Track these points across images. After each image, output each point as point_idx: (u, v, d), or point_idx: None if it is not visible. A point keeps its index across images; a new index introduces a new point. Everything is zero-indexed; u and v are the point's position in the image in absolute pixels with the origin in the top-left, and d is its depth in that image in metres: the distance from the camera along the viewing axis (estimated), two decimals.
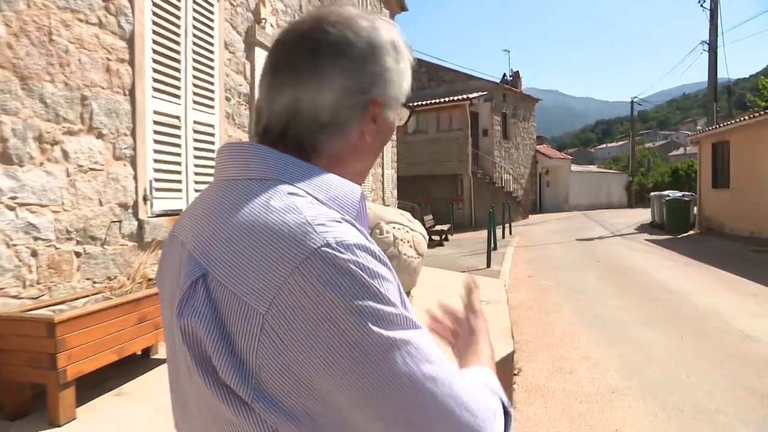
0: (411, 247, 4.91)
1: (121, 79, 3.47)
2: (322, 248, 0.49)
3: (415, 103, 21.54)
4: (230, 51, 4.84)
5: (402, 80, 0.68)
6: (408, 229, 4.99)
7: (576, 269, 9.37)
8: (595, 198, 31.94)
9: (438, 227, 13.85)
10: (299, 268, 0.48)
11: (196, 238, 0.58)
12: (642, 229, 17.39)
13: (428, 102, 20.64)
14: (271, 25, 5.60)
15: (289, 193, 0.55)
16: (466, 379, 0.56)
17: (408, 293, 5.10)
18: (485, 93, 21.24)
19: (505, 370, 3.39)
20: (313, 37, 0.63)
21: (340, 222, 0.53)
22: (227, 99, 4.79)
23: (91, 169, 3.22)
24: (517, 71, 25.93)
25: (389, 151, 16.15)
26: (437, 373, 0.51)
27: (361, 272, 0.49)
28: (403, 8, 17.61)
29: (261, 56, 5.33)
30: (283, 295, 0.48)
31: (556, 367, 4.38)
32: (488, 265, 9.19)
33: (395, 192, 17.25)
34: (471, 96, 20.05)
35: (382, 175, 15.42)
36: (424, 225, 13.04)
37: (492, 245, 11.42)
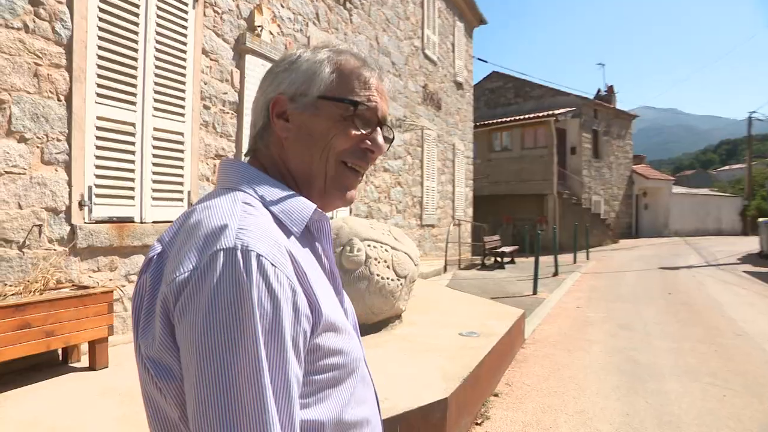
0: (388, 267, 4.44)
1: (55, 84, 3.45)
2: (228, 246, 0.59)
3: (498, 120, 20.73)
4: (211, 58, 4.74)
5: (304, 74, 0.77)
6: (388, 248, 4.52)
7: (638, 301, 8.18)
8: (701, 223, 28.49)
9: (504, 249, 12.98)
10: (212, 257, 0.59)
11: (169, 228, 0.70)
12: (747, 259, 15.08)
13: (511, 119, 19.73)
14: (270, 33, 5.48)
15: (244, 202, 0.67)
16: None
17: (386, 320, 4.62)
18: (572, 109, 19.87)
19: (429, 421, 2.83)
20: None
21: (264, 235, 0.62)
22: (205, 107, 4.69)
23: (7, 172, 3.19)
24: (611, 86, 24.06)
25: (462, 168, 15.56)
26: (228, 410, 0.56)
27: (247, 279, 0.58)
28: (482, 21, 17.06)
29: (253, 64, 5.21)
30: (198, 272, 0.59)
31: (535, 420, 3.67)
32: (534, 291, 8.34)
33: (470, 210, 16.57)
34: (557, 112, 18.86)
35: (453, 193, 14.87)
36: (483, 244, 12.28)
37: (554, 270, 10.47)
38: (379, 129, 0.81)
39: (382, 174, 8.41)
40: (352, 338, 0.74)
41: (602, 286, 9.86)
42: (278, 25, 5.69)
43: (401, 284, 4.51)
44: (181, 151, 4.40)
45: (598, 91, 23.73)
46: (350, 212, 7.29)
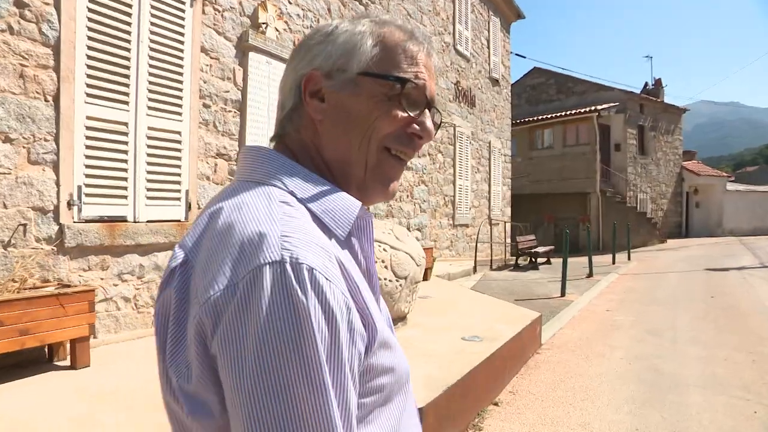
0: (386, 267, 4.28)
1: (42, 85, 3.48)
2: (272, 260, 0.51)
3: (539, 117, 20.13)
4: (211, 57, 4.72)
5: (342, 47, 0.68)
6: (387, 248, 4.36)
7: (675, 305, 7.65)
8: (760, 221, 26.48)
9: (538, 249, 12.53)
10: (254, 273, 0.50)
11: (191, 231, 0.62)
12: None
13: (552, 115, 19.11)
14: (276, 30, 5.41)
15: (281, 201, 0.58)
16: None
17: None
18: (616, 104, 19.01)
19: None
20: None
21: (313, 243, 0.54)
22: (205, 106, 4.67)
23: None
24: (659, 79, 22.85)
25: (499, 166, 15.17)
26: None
27: (300, 301, 0.50)
28: (520, 16, 16.58)
29: (257, 61, 5.16)
30: (238, 292, 0.50)
31: None
32: (562, 293, 7.95)
33: (508, 210, 16.15)
34: (599, 107, 18.09)
35: (489, 192, 14.53)
36: (516, 244, 11.91)
37: (589, 272, 10.02)
38: (427, 111, 0.70)
39: (404, 172, 8.24)
40: (399, 351, 0.67)
41: (639, 288, 9.32)
42: (285, 22, 5.62)
43: (400, 285, 4.33)
44: (179, 150, 4.39)
45: (645, 84, 22.59)
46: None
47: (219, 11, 4.80)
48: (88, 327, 3.31)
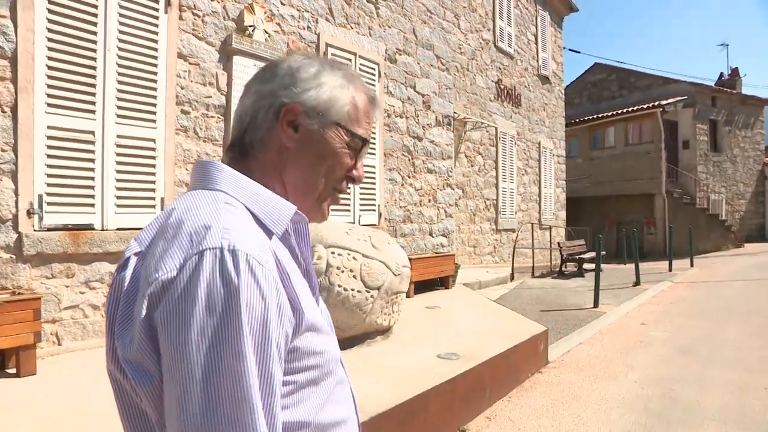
0: (355, 278, 4.01)
1: None
2: (213, 246, 0.60)
3: (599, 115, 19.00)
4: (190, 62, 4.68)
5: (324, 94, 0.78)
6: (357, 256, 4.09)
7: (726, 319, 6.77)
8: None
9: (583, 255, 11.70)
10: (196, 257, 0.59)
11: (147, 227, 0.71)
12: None
13: (612, 113, 17.95)
14: (266, 32, 5.31)
15: (224, 202, 0.68)
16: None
17: (362, 335, 4.19)
18: (683, 98, 17.51)
19: None
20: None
21: (249, 234, 0.64)
22: (184, 112, 4.63)
23: None
24: (736, 68, 20.79)
25: (551, 167, 14.43)
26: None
27: (233, 279, 0.59)
28: (572, 9, 15.72)
29: (243, 65, 5.08)
30: (182, 273, 0.59)
31: None
32: (595, 304, 7.30)
33: (562, 213, 15.35)
34: (663, 102, 16.75)
35: (539, 195, 13.86)
36: (560, 250, 11.19)
37: (635, 279, 9.23)
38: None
39: (424, 175, 7.91)
40: (329, 337, 0.77)
41: (689, 299, 8.40)
42: (277, 24, 5.51)
43: (372, 296, 4.05)
44: (153, 158, 4.37)
45: (720, 75, 20.64)
46: (379, 217, 6.91)
47: (199, 16, 4.76)
48: (33, 335, 3.30)
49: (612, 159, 18.03)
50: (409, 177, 7.62)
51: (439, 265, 7.48)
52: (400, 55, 7.41)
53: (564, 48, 15.88)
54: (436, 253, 7.95)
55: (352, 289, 3.97)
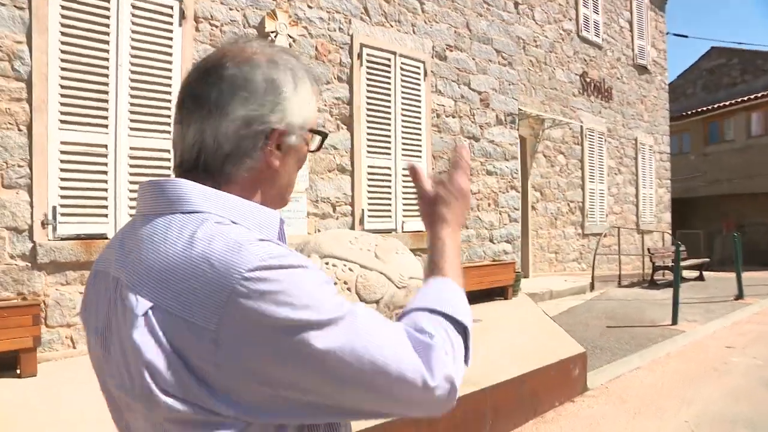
0: (350, 290, 3.76)
1: (14, 116, 3.82)
2: (254, 266, 0.57)
3: (715, 105, 16.89)
4: None
5: (303, 107, 0.74)
6: (354, 267, 3.84)
7: None
8: None
9: (691, 261, 10.35)
10: (238, 286, 0.55)
11: (133, 272, 0.63)
12: None
13: (732, 101, 15.82)
14: (290, 36, 5.26)
15: (216, 222, 0.63)
16: (395, 346, 0.62)
17: None
18: None
19: None
20: (215, 72, 0.70)
21: (263, 240, 0.61)
22: None
23: None
24: None
25: (651, 166, 13.05)
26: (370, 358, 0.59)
27: (293, 271, 0.58)
28: None
29: None
30: (230, 310, 0.55)
31: None
32: (674, 321, 6.35)
33: (666, 216, 13.87)
34: None
35: (636, 196, 12.61)
36: (651, 257, 10.02)
37: (738, 293, 8.00)
38: None
39: (483, 177, 7.43)
40: None
41: None
42: (304, 27, 5.44)
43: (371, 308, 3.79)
44: (167, 168, 4.49)
45: None
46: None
47: (216, 26, 4.82)
48: (32, 339, 3.49)
49: (731, 154, 15.89)
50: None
51: (495, 273, 6.96)
52: (451, 51, 7.03)
53: (667, 33, 14.29)
54: (495, 260, 7.43)
55: None
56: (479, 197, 7.41)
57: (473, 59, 7.33)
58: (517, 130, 8.16)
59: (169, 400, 0.59)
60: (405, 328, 0.66)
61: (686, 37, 15.54)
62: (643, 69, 12.98)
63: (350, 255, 3.90)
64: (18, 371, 3.51)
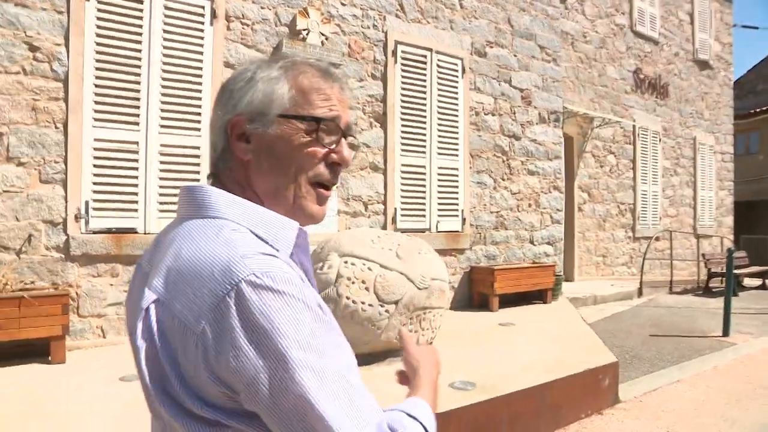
0: (368, 290, 3.69)
1: (51, 115, 4.00)
2: (246, 280, 0.60)
3: None
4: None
5: (265, 95, 0.76)
6: (375, 266, 3.76)
7: None
8: None
9: (753, 269, 9.66)
10: (226, 297, 0.60)
11: (155, 269, 0.69)
12: None
13: None
14: (322, 34, 5.26)
15: (231, 230, 0.68)
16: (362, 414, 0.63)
17: (382, 353, 3.87)
18: None
19: None
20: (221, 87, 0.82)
21: (266, 255, 0.65)
22: None
23: (5, 191, 3.83)
24: None
25: (712, 167, 12.30)
26: (322, 389, 0.60)
27: (274, 297, 0.60)
28: None
29: None
30: (214, 317, 0.60)
31: None
32: (725, 333, 5.92)
33: (728, 220, 13.05)
34: None
35: (693, 198, 11.92)
36: (706, 263, 9.42)
37: None
38: (343, 140, 0.80)
39: (524, 177, 7.19)
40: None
41: None
42: (337, 25, 5.42)
43: (387, 312, 3.72)
44: (197, 164, 4.58)
45: None
46: (463, 223, 6.44)
47: (248, 25, 4.88)
48: (61, 328, 3.64)
49: None
50: (503, 179, 6.99)
51: (534, 276, 6.73)
52: (492, 47, 6.84)
53: (734, 25, 13.41)
54: (535, 262, 7.18)
55: (363, 302, 3.68)
56: (519, 197, 7.18)
57: (515, 55, 7.11)
58: (561, 128, 7.85)
59: (159, 393, 0.65)
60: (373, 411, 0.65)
61: (756, 28, 14.46)
62: (704, 64, 12.23)
63: (370, 254, 3.85)
64: (49, 358, 3.67)
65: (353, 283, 3.74)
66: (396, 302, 3.79)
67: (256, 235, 0.69)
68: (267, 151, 0.75)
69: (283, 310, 0.60)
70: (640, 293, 8.69)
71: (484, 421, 3.16)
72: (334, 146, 0.78)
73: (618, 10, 10.28)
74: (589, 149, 9.82)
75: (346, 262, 3.82)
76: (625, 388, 4.30)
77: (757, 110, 16.17)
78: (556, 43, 7.65)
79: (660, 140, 11.05)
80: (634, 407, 4.04)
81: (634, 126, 10.44)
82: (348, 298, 3.67)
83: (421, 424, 0.70)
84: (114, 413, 2.80)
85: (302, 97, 0.77)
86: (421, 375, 0.86)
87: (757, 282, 10.23)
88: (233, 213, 0.71)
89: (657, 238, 10.52)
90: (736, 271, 9.47)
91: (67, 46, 4.04)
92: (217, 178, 0.80)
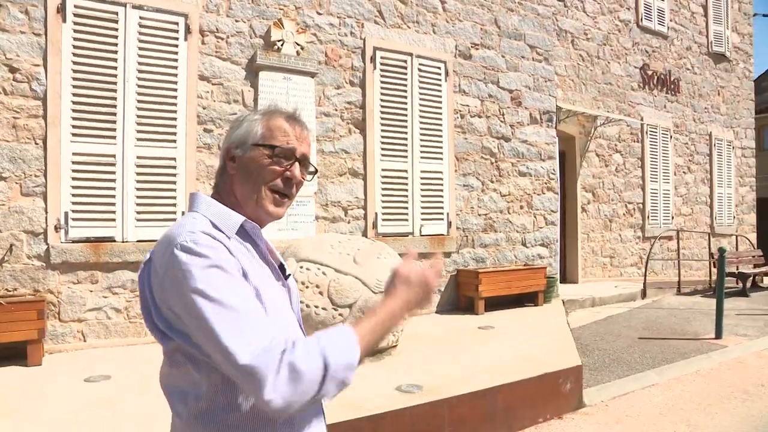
0: (321, 294, 3.78)
1: (31, 132, 4.24)
2: (180, 243, 0.94)
3: None
4: (213, 83, 4.98)
5: (248, 132, 1.11)
6: (330, 271, 3.85)
7: None
8: None
9: (745, 270, 9.33)
10: (173, 252, 0.93)
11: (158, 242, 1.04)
12: None
13: None
14: (297, 44, 5.38)
15: (191, 217, 1.02)
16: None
17: None
18: None
19: None
20: None
21: (203, 232, 0.96)
22: (206, 130, 4.95)
23: None
24: None
25: (730, 163, 11.95)
26: (225, 314, 0.89)
27: (193, 256, 0.92)
28: None
29: (271, 79, 5.24)
30: (167, 264, 0.94)
31: None
32: (717, 335, 5.78)
33: (750, 217, 12.60)
34: None
35: (710, 196, 11.58)
36: (715, 262, 9.14)
37: None
38: (297, 164, 1.12)
39: (514, 179, 7.16)
40: (279, 305, 1.05)
41: None
42: (313, 34, 5.55)
43: (341, 315, 3.81)
44: (173, 175, 4.77)
45: None
46: (449, 226, 6.47)
47: (222, 38, 5.05)
48: (37, 332, 3.87)
49: None
50: (492, 182, 6.99)
51: (524, 279, 6.70)
52: (477, 49, 6.85)
53: (754, 15, 12.97)
54: (527, 265, 7.15)
55: (316, 306, 3.79)
56: (510, 199, 7.16)
57: (503, 56, 7.09)
58: (555, 128, 7.79)
59: (146, 316, 1.01)
60: (276, 335, 0.90)
61: None
62: (720, 57, 11.87)
63: (326, 259, 3.95)
64: (26, 361, 3.90)
65: (307, 287, 3.84)
66: (350, 306, 3.88)
67: (212, 223, 1.01)
68: (244, 168, 1.09)
69: (197, 263, 0.91)
70: (644, 295, 8.52)
71: (423, 424, 3.21)
72: (288, 167, 1.10)
73: (622, 6, 10.10)
74: (592, 148, 9.67)
75: (301, 267, 3.93)
76: (593, 392, 4.27)
77: None
78: (547, 41, 7.59)
79: (671, 137, 10.79)
80: (597, 412, 4.02)
81: (643, 124, 10.23)
82: (302, 302, 3.78)
83: (323, 356, 0.89)
84: (69, 410, 2.98)
85: (269, 133, 1.10)
86: (390, 295, 1.04)
87: None
88: (204, 209, 1.05)
89: (659, 238, 10.27)
90: (748, 271, 9.18)
91: (45, 66, 4.28)
92: (216, 187, 1.14)
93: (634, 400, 4.24)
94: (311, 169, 1.17)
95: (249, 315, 0.90)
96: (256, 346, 0.86)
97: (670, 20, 10.87)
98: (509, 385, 3.65)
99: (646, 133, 10.34)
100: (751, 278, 9.90)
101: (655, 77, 10.58)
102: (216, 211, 1.05)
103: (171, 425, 1.05)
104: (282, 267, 1.17)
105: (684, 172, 11.15)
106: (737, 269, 9.38)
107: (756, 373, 4.90)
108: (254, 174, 1.08)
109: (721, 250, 6.02)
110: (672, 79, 10.87)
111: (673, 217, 10.81)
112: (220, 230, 1.01)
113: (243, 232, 1.06)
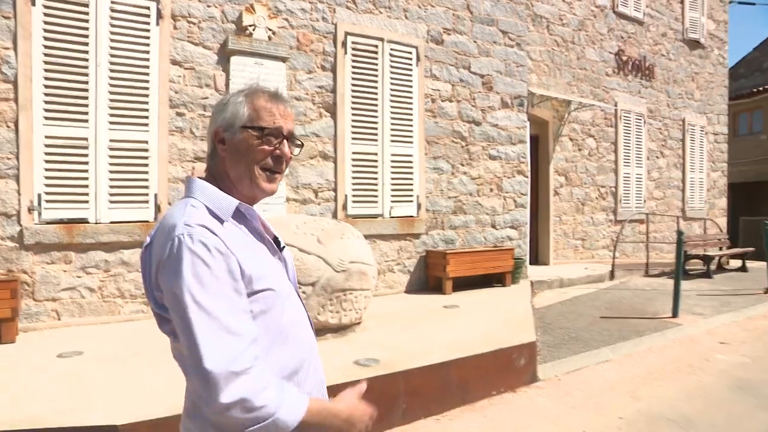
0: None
1: (3, 115, 4.32)
2: (179, 234, 1.02)
3: None
4: (185, 67, 5.07)
5: (234, 114, 1.16)
6: (293, 251, 4.03)
7: None
8: None
9: (734, 250, 9.68)
10: (171, 245, 1.01)
11: (155, 227, 1.12)
12: None
13: None
14: (269, 29, 5.47)
15: (190, 205, 1.09)
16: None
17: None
18: None
19: None
20: None
21: (200, 225, 1.03)
22: (179, 114, 5.06)
23: None
24: None
25: (703, 148, 12.23)
26: (208, 312, 0.99)
27: (188, 254, 1.00)
28: None
29: (242, 64, 5.33)
30: (164, 255, 1.02)
31: None
32: (674, 314, 6.06)
33: (721, 202, 12.97)
34: None
35: (682, 180, 11.87)
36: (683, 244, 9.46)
37: None
38: (285, 141, 1.18)
39: (484, 162, 7.35)
40: (277, 280, 1.14)
41: None
42: (284, 19, 5.63)
43: (304, 293, 4.00)
44: (146, 158, 4.88)
45: None
46: (418, 208, 6.65)
47: (194, 23, 5.12)
48: (10, 310, 4.01)
49: None
50: (462, 165, 7.17)
51: (492, 260, 6.93)
52: (449, 34, 6.97)
53: (730, 2, 13.15)
54: (495, 246, 7.38)
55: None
56: (479, 182, 7.35)
57: (474, 41, 7.22)
58: (527, 113, 7.96)
59: (149, 295, 1.10)
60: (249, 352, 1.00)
61: (753, 4, 13.90)
62: (695, 43, 12.07)
63: (291, 239, 4.12)
64: (0, 338, 4.05)
65: None
66: (312, 284, 4.07)
67: (208, 207, 1.08)
68: (234, 149, 1.15)
69: (189, 261, 0.99)
70: (612, 276, 8.82)
71: (378, 394, 3.42)
72: (277, 145, 1.16)
73: None
74: (566, 133, 9.88)
75: None
76: (548, 368, 4.52)
77: (761, 89, 15.87)
78: (519, 27, 7.72)
79: (645, 122, 11.02)
80: (550, 386, 4.27)
81: (616, 108, 10.44)
82: None
83: (273, 398, 0.99)
84: (39, 383, 3.15)
85: (256, 114, 1.15)
86: (333, 405, 1.16)
87: (739, 264, 10.25)
88: (199, 194, 1.11)
89: (629, 221, 10.56)
90: (712, 253, 9.52)
91: (15, 49, 4.34)
92: (209, 169, 1.20)
93: (587, 375, 4.50)
94: (297, 143, 1.23)
95: (229, 327, 0.98)
96: (223, 358, 0.95)
97: (647, 6, 11.02)
98: (464, 359, 3.88)
99: (620, 118, 10.55)
100: (717, 261, 10.27)
101: (630, 63, 10.76)
102: (211, 195, 1.11)
103: (185, 389, 1.16)
104: (276, 240, 1.26)
105: (657, 157, 11.41)
106: (704, 251, 9.73)
107: (703, 349, 5.19)
108: (245, 155, 1.14)
109: (679, 233, 6.28)
110: (647, 64, 11.06)
111: (645, 201, 11.09)
112: (216, 215, 1.08)
113: (238, 213, 1.14)
